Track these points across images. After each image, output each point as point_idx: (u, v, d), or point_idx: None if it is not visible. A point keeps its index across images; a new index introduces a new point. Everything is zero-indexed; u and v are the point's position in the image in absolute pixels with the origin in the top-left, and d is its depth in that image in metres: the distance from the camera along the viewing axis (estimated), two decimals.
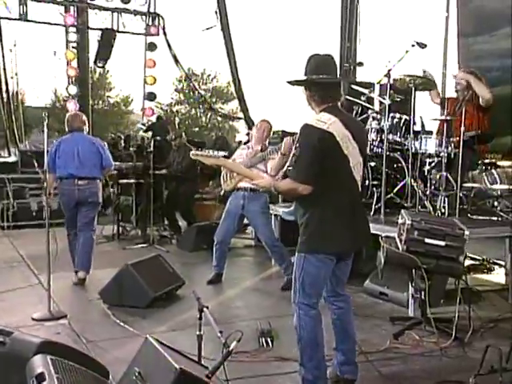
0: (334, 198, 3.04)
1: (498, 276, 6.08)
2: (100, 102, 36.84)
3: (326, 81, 3.09)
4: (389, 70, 5.20)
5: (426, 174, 5.68)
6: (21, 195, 9.53)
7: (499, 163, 5.64)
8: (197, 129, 34.84)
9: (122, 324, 4.41)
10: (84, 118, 6.04)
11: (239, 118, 15.77)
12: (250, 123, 13.38)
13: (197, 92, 16.00)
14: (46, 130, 4.64)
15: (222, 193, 5.91)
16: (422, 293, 4.21)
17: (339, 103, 3.17)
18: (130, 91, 36.90)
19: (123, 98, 36.42)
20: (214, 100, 33.03)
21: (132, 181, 8.33)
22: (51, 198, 5.12)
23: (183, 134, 8.73)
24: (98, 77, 34.49)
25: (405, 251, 3.99)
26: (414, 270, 4.17)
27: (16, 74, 20.49)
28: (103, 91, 37.42)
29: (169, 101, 35.46)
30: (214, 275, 5.72)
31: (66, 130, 5.97)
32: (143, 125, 13.18)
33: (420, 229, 3.97)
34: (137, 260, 5.10)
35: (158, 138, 8.40)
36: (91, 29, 12.87)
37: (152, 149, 7.59)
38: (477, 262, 6.45)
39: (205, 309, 3.04)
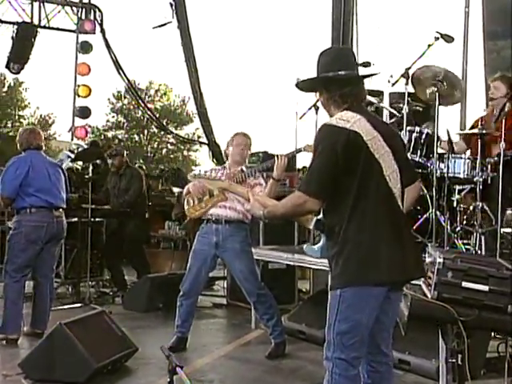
0: (369, 215, 3.05)
1: None
2: (9, 124, 36.73)
3: (347, 76, 3.20)
4: (407, 69, 5.36)
5: (455, 204, 5.78)
6: None
7: None
8: (141, 160, 34.85)
9: None
10: (42, 134, 6.34)
11: (202, 143, 15.85)
12: (215, 150, 13.48)
13: (142, 108, 15.98)
14: None
15: (186, 222, 5.85)
16: (460, 356, 4.22)
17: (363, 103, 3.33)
18: (50, 109, 36.92)
19: (41, 119, 36.22)
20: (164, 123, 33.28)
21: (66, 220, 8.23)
22: None
23: (125, 152, 8.74)
24: (6, 90, 34.39)
25: (435, 299, 4.01)
26: (448, 325, 4.19)
27: None
28: (14, 109, 37.31)
29: (103, 123, 35.59)
30: (176, 340, 5.65)
31: (20, 148, 6.18)
32: (71, 152, 13.11)
33: (455, 269, 3.99)
34: (74, 318, 5.03)
35: (98, 161, 8.41)
36: (2, 22, 12.94)
37: (90, 175, 7.58)
38: None
39: (178, 369, 3.01)
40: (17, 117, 37.92)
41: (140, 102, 15.44)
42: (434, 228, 5.64)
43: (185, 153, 36.30)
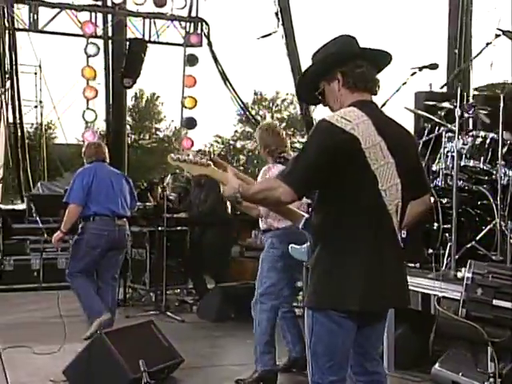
0: (351, 231, 2.77)
1: None
2: (146, 136, 38.23)
3: (378, 53, 2.96)
4: (460, 70, 5.00)
5: None
6: (20, 250, 9.77)
7: None
8: None
9: None
10: (105, 147, 6.59)
11: None
12: None
13: (251, 121, 16.19)
14: None
15: None
16: (498, 380, 3.87)
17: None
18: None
19: (175, 131, 37.36)
20: (289, 132, 33.40)
21: (150, 228, 8.34)
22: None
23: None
24: (142, 103, 35.90)
25: (463, 317, 3.70)
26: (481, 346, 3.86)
27: (40, 102, 21.76)
28: (151, 122, 38.79)
29: (231, 134, 36.28)
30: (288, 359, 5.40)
31: (86, 161, 6.44)
32: None
33: (485, 285, 3.68)
34: (116, 328, 5.05)
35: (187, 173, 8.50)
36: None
37: (164, 185, 7.69)
38: None
39: None
40: (154, 129, 39.40)
41: (246, 115, 15.57)
42: (498, 240, 5.23)
43: None
